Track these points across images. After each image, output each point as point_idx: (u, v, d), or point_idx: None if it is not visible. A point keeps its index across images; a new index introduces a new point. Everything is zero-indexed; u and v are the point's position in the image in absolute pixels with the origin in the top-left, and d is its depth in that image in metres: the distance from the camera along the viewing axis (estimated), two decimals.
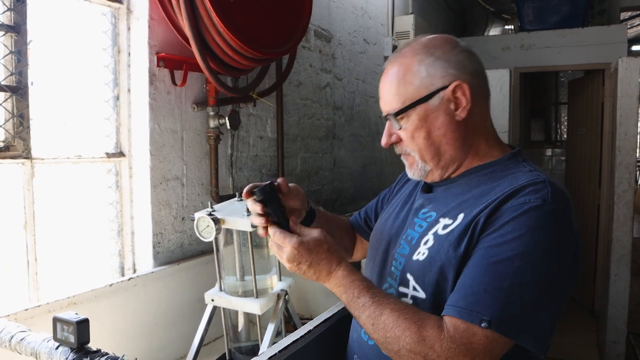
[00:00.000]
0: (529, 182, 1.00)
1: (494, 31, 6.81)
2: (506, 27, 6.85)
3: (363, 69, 3.68)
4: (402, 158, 1.19)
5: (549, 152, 6.18)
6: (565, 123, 6.33)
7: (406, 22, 4.06)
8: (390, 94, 1.11)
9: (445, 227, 1.06)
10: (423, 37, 1.14)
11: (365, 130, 3.74)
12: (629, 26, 6.58)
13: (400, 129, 1.11)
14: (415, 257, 1.08)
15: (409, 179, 1.35)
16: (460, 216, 1.04)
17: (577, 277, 1.02)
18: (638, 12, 7.11)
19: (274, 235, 1.07)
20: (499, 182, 1.05)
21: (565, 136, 6.38)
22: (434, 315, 0.96)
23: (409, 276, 1.08)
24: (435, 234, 1.07)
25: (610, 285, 3.69)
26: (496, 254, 0.94)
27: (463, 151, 1.12)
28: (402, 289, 1.10)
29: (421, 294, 1.05)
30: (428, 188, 1.21)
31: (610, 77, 4.38)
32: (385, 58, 4.01)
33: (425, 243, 1.07)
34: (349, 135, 3.50)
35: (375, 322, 0.97)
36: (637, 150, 3.79)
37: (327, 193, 3.24)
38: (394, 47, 3.99)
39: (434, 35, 1.14)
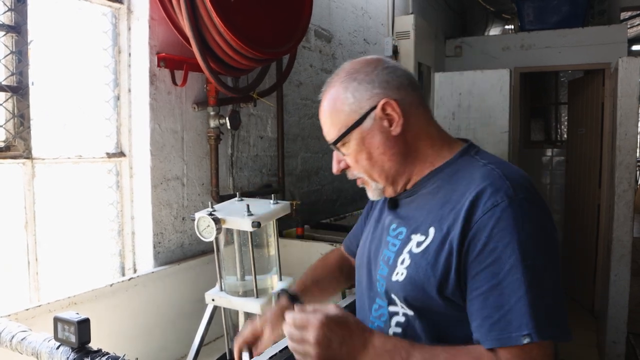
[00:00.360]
0: (485, 183, 1.00)
1: (494, 31, 6.80)
2: (506, 27, 6.85)
3: None
4: (358, 183, 1.20)
5: (549, 152, 6.18)
6: (566, 123, 6.33)
7: (406, 22, 4.06)
8: (327, 125, 1.14)
9: (419, 244, 1.05)
10: (347, 63, 1.17)
11: None
12: (629, 26, 6.58)
13: (344, 155, 1.14)
14: (394, 278, 1.07)
15: (376, 203, 1.37)
16: (431, 231, 1.04)
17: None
18: (638, 12, 7.11)
19: (294, 319, 0.98)
20: (457, 185, 1.05)
21: (565, 136, 6.38)
22: (485, 351, 0.94)
23: (393, 296, 1.09)
24: (411, 253, 1.06)
25: (611, 285, 3.69)
26: (498, 272, 0.94)
27: (409, 162, 1.13)
28: (392, 309, 1.10)
29: (409, 312, 1.06)
30: (393, 204, 1.21)
31: (610, 77, 4.38)
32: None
33: (402, 262, 1.07)
34: None
35: None
36: (637, 150, 3.78)
37: (327, 193, 3.24)
38: (394, 47, 3.99)
39: (356, 60, 1.16)
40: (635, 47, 8.54)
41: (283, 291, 1.36)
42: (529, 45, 5.09)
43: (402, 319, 1.08)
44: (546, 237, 0.97)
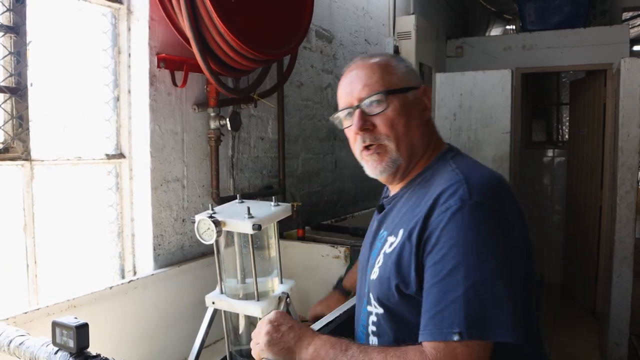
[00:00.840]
0: (445, 186, 1.04)
1: (495, 31, 6.79)
2: (507, 27, 6.83)
3: None
4: (367, 154, 1.18)
5: (550, 152, 6.16)
6: (567, 124, 6.32)
7: (407, 23, 4.04)
8: (372, 80, 1.14)
9: (390, 245, 1.11)
10: (384, 53, 1.28)
11: None
12: (630, 26, 6.56)
13: (383, 111, 1.13)
14: (372, 277, 1.14)
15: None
16: (400, 232, 1.09)
17: (532, 250, 1.06)
18: (639, 13, 7.09)
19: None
20: (429, 189, 1.09)
21: (566, 137, 6.36)
22: (413, 345, 0.98)
23: (370, 295, 1.15)
24: (384, 253, 1.12)
25: (613, 286, 3.68)
26: (442, 269, 0.96)
27: (424, 150, 1.18)
28: (369, 307, 1.16)
29: (380, 310, 1.11)
30: (380, 208, 1.28)
31: (612, 78, 4.37)
32: None
33: (378, 262, 1.13)
34: None
35: None
36: None
37: (328, 194, 3.23)
38: (395, 48, 3.97)
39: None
40: (636, 48, 8.52)
41: (339, 282, 1.55)
42: (531, 45, 5.08)
43: (375, 318, 1.14)
44: (494, 242, 0.97)
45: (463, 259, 0.95)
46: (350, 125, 1.18)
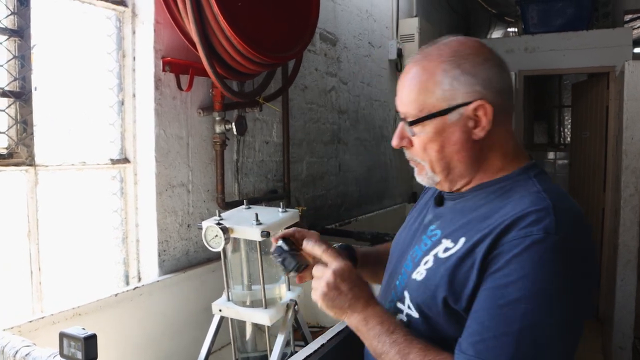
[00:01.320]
0: (531, 209, 0.94)
1: (497, 34, 6.78)
2: (509, 29, 6.83)
3: (368, 72, 3.64)
4: (411, 163, 1.14)
5: (552, 155, 6.15)
6: (569, 126, 6.31)
7: (411, 25, 4.03)
8: (408, 98, 1.05)
9: (446, 250, 1.02)
10: (453, 40, 1.06)
11: (370, 134, 3.70)
12: (632, 28, 6.56)
13: (413, 135, 1.06)
14: (414, 276, 1.06)
15: (430, 188, 1.29)
16: (462, 240, 1.00)
17: (595, 304, 0.99)
18: (639, 15, 7.09)
19: (323, 251, 1.09)
20: (505, 203, 1.00)
21: (568, 139, 6.35)
22: (452, 356, 0.93)
23: (406, 294, 1.07)
24: (436, 256, 1.03)
25: (617, 290, 3.66)
26: (502, 296, 0.89)
27: (474, 169, 1.07)
28: (399, 305, 1.09)
29: (415, 314, 1.04)
30: (439, 201, 1.16)
31: (614, 80, 4.36)
32: (390, 62, 3.99)
33: (425, 263, 1.05)
34: (354, 139, 3.47)
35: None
36: None
37: (332, 197, 3.21)
38: (399, 50, 3.96)
39: (464, 40, 1.06)
40: (638, 50, 8.52)
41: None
42: (533, 48, 5.06)
43: (404, 318, 1.07)
44: (568, 288, 0.90)
45: (529, 295, 0.87)
46: None
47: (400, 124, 1.09)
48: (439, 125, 1.03)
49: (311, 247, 1.12)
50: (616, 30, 4.86)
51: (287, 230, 1.25)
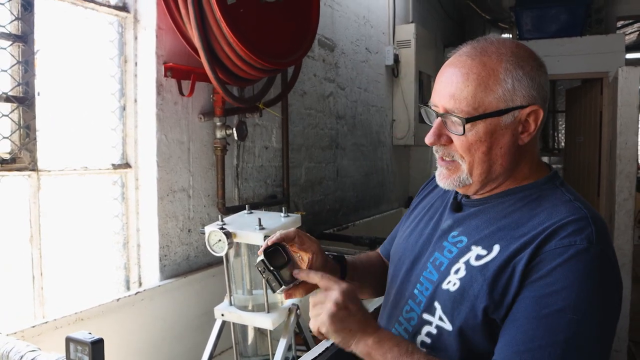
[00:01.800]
0: (570, 219, 0.93)
1: None
2: (503, 35, 6.88)
3: (365, 77, 3.67)
4: (440, 163, 1.07)
5: (546, 159, 6.20)
6: (563, 131, 6.36)
7: (407, 31, 4.06)
8: (461, 93, 0.98)
9: (478, 257, 0.99)
10: (506, 40, 1.02)
11: (367, 139, 3.72)
12: (625, 34, 6.63)
13: (461, 134, 0.99)
14: (445, 287, 1.01)
15: (432, 191, 1.28)
16: (496, 248, 0.98)
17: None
18: (631, 21, 7.17)
19: (321, 278, 1.01)
20: (537, 212, 0.99)
21: (562, 144, 6.40)
22: None
23: (436, 304, 1.02)
24: (467, 264, 1.00)
25: None
26: (547, 305, 0.88)
27: (508, 175, 1.04)
28: (426, 316, 1.04)
29: (447, 326, 0.99)
30: (457, 207, 1.13)
31: (608, 86, 4.40)
32: (387, 67, 4.02)
33: (457, 272, 1.01)
34: (351, 145, 3.49)
35: None
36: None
37: (330, 203, 3.22)
38: (395, 56, 3.98)
39: (517, 42, 1.03)
40: (630, 55, 8.61)
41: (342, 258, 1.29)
42: None
43: (434, 330, 1.01)
44: (609, 299, 0.91)
45: (574, 305, 0.86)
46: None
47: (437, 121, 1.02)
48: (492, 126, 0.98)
49: (306, 275, 1.05)
50: (609, 37, 4.92)
51: (287, 232, 1.13)
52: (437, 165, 1.08)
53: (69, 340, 1.09)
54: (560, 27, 5.01)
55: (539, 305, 0.88)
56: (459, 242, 1.05)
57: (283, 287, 1.05)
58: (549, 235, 0.92)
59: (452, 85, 0.99)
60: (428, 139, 1.03)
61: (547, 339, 0.86)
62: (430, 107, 1.05)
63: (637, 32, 9.42)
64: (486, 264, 0.96)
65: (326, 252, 1.22)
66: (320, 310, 0.97)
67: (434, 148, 1.06)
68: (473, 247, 1.01)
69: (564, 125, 6.17)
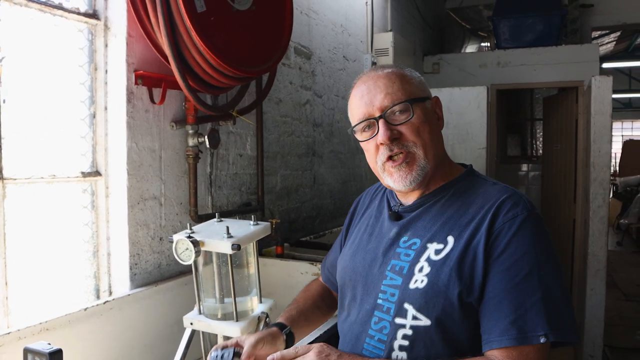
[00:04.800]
0: (504, 196, 1.09)
1: (471, 48, 6.92)
2: (482, 44, 6.98)
3: (343, 85, 3.69)
4: (395, 165, 1.13)
5: (525, 167, 6.27)
6: (541, 139, 6.45)
7: (385, 40, 4.09)
8: (393, 89, 1.13)
9: (437, 252, 1.08)
10: (395, 67, 1.23)
11: (345, 146, 3.74)
12: (599, 44, 6.77)
13: (409, 119, 1.11)
14: (412, 286, 1.07)
15: (364, 213, 1.36)
16: (450, 239, 1.08)
17: None
18: (607, 32, 7.32)
19: (286, 352, 1.04)
20: (472, 199, 1.12)
21: (540, 151, 6.49)
22: (476, 358, 1.00)
23: (406, 306, 1.07)
24: (429, 260, 1.08)
25: (587, 299, 3.74)
26: (517, 273, 1.00)
27: (442, 160, 1.20)
28: (398, 320, 1.08)
29: (425, 322, 1.05)
30: (397, 216, 1.21)
31: (583, 95, 4.48)
32: None
33: (421, 270, 1.07)
34: (328, 152, 3.50)
35: None
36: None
37: (307, 210, 3.22)
38: (373, 64, 4.01)
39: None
40: (605, 65, 8.78)
41: (276, 323, 1.31)
42: (505, 62, 5.19)
43: (409, 332, 1.06)
44: (554, 251, 1.06)
45: (536, 265, 1.00)
46: (372, 137, 1.14)
47: (382, 122, 1.12)
48: (425, 110, 1.15)
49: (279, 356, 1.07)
50: (584, 46, 5.02)
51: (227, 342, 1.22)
52: (390, 170, 1.14)
53: (26, 351, 1.08)
54: (537, 37, 5.10)
55: (509, 276, 1.00)
56: (413, 244, 1.13)
57: None
58: (494, 214, 1.06)
59: (380, 89, 1.14)
60: (381, 137, 1.11)
61: (529, 301, 0.98)
62: (358, 127, 1.17)
63: (614, 42, 9.62)
64: (447, 254, 1.06)
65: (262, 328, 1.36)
66: None
67: (382, 152, 1.13)
68: (429, 245, 1.10)
69: (541, 133, 6.26)
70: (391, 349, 1.07)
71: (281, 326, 1.29)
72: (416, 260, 1.09)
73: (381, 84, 1.14)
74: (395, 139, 1.11)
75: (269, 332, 1.25)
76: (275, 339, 1.24)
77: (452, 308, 1.02)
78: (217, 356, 1.16)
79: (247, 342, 1.19)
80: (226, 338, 1.73)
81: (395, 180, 1.14)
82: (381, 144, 1.12)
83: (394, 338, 1.07)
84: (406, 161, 1.12)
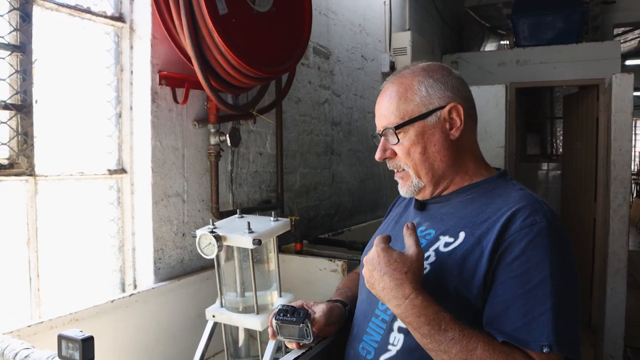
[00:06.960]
0: (525, 202, 1.07)
1: (490, 47, 6.88)
2: (502, 42, 6.93)
3: (361, 84, 3.72)
4: (396, 176, 1.24)
5: (545, 166, 6.22)
6: (561, 137, 6.38)
7: (403, 39, 4.11)
8: (389, 110, 1.18)
9: (447, 244, 1.11)
10: (421, 63, 1.23)
11: (363, 145, 3.77)
12: (622, 41, 6.67)
13: (396, 143, 1.17)
14: None
15: (400, 202, 1.43)
16: (462, 235, 1.10)
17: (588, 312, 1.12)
18: (630, 28, 7.20)
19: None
20: (493, 200, 1.13)
21: (560, 150, 6.43)
22: (519, 348, 0.99)
23: None
24: (437, 251, 1.12)
25: (607, 299, 3.71)
26: (529, 280, 0.99)
27: (454, 169, 1.19)
28: None
29: None
30: (421, 206, 1.26)
31: (604, 93, 4.44)
32: (383, 74, 4.07)
33: (427, 259, 1.12)
34: (347, 151, 3.54)
35: (468, 357, 0.97)
36: (632, 165, 3.83)
37: (325, 208, 3.26)
38: (392, 63, 4.04)
39: (431, 62, 1.24)
40: (628, 62, 8.64)
41: (336, 300, 1.41)
42: (525, 60, 5.16)
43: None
44: (571, 264, 1.04)
45: (551, 274, 0.99)
46: None
47: (382, 139, 1.21)
48: (420, 129, 1.16)
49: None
50: (605, 44, 4.97)
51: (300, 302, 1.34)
52: (395, 177, 1.26)
53: (60, 337, 1.14)
54: (557, 35, 5.06)
55: (522, 282, 1.00)
56: (428, 234, 1.18)
57: (311, 339, 1.24)
58: (510, 218, 1.05)
59: (382, 108, 1.21)
60: (377, 155, 1.23)
61: (538, 309, 0.97)
62: (377, 134, 1.25)
63: (638, 39, 9.45)
64: (454, 249, 1.09)
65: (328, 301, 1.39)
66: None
67: (388, 165, 1.24)
68: (441, 237, 1.14)
69: (561, 132, 6.20)
70: (390, 330, 1.13)
71: (342, 303, 1.38)
72: (426, 249, 1.14)
73: (382, 103, 1.21)
74: (388, 157, 1.21)
75: (337, 305, 1.35)
76: (340, 313, 1.33)
77: (447, 301, 1.03)
78: (287, 310, 1.26)
79: (319, 308, 1.29)
80: (247, 330, 1.79)
81: (399, 187, 1.25)
82: (378, 159, 1.23)
83: (395, 319, 1.13)
84: (401, 177, 1.23)
